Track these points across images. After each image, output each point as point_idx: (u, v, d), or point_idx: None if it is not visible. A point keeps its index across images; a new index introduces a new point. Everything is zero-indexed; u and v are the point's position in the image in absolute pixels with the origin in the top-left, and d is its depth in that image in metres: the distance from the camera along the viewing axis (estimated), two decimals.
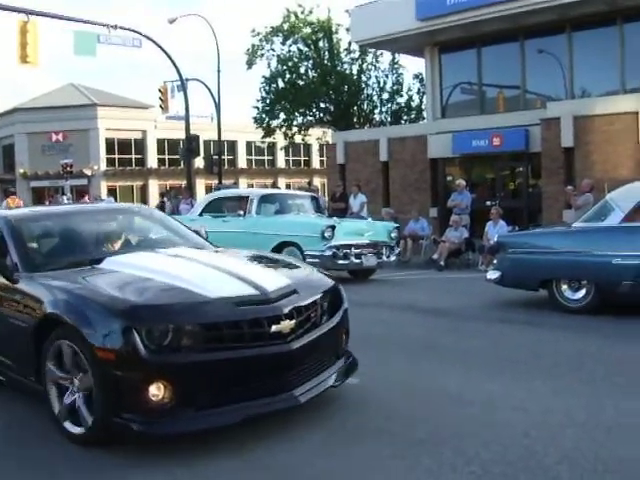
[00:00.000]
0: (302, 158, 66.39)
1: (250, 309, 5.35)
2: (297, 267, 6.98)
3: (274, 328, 5.31)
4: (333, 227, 14.71)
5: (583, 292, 10.53)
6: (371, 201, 23.50)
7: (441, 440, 5.21)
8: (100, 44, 25.04)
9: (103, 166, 54.04)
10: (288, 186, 56.34)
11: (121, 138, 55.59)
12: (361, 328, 7.37)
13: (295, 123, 40.09)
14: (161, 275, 5.74)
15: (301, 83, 38.02)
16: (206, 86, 32.93)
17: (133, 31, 26.47)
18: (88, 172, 51.94)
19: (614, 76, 22.89)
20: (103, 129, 53.95)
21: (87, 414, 5.15)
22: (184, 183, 32.76)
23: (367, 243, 15.25)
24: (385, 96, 39.57)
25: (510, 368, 7.38)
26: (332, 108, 38.68)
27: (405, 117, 40.19)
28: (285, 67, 38.18)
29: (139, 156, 57.11)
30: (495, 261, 12.21)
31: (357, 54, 38.34)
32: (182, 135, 31.78)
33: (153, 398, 4.92)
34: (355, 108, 39.16)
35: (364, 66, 38.77)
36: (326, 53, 38.16)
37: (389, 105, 39.82)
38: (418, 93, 39.42)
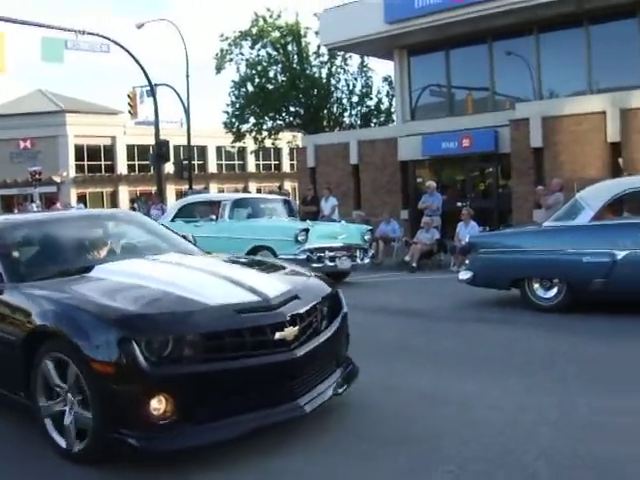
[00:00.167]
0: (272, 162, 66.26)
1: (252, 316, 5.14)
2: (295, 272, 6.79)
3: (277, 335, 5.10)
4: (307, 230, 14.70)
5: (555, 291, 10.61)
6: (342, 204, 23.53)
7: (417, 440, 5.23)
8: (68, 50, 24.95)
9: (72, 173, 53.54)
10: (259, 190, 56.21)
11: (90, 144, 55.13)
12: None
13: (265, 127, 40.08)
14: (157, 283, 5.53)
15: (270, 87, 37.99)
16: (175, 91, 32.88)
17: (101, 36, 26.41)
18: (57, 179, 51.48)
19: (581, 77, 23.11)
20: (72, 135, 53.48)
21: (76, 431, 4.94)
22: (154, 189, 32.63)
23: (341, 246, 15.23)
24: (354, 99, 39.74)
25: (484, 367, 7.42)
26: (302, 112, 38.71)
27: (374, 120, 40.31)
28: (254, 71, 38.13)
29: (109, 162, 56.70)
30: (467, 261, 12.25)
31: (326, 57, 38.40)
32: (152, 141, 31.69)
33: (154, 412, 4.69)
34: (325, 111, 39.22)
35: (333, 69, 38.85)
36: (295, 57, 38.19)
37: (358, 108, 39.93)
38: (387, 96, 39.56)
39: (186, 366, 4.81)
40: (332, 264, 14.82)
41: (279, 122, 39.88)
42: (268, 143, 41.71)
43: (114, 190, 55.88)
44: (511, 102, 24.38)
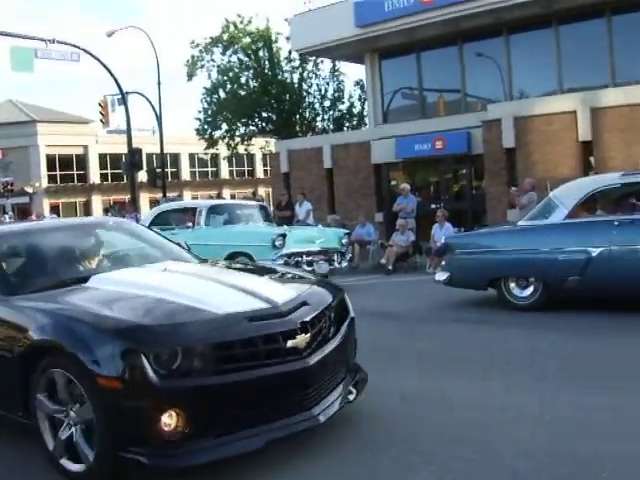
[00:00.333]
0: (246, 168, 66.29)
1: (263, 324, 4.92)
2: (300, 277, 6.63)
3: (289, 343, 4.89)
4: (284, 235, 14.67)
5: (531, 289, 10.67)
6: (317, 208, 23.55)
7: (399, 440, 5.24)
8: (38, 59, 24.77)
9: (45, 183, 53.26)
10: (233, 196, 56.12)
11: (62, 154, 54.86)
12: None
13: (238, 133, 39.98)
14: (160, 292, 5.27)
15: (242, 93, 37.91)
16: (147, 99, 32.69)
17: (71, 45, 26.23)
18: (30, 190, 51.11)
19: (552, 77, 23.33)
20: (43, 145, 53.20)
21: (87, 449, 4.67)
22: (128, 198, 32.48)
23: (318, 250, 15.20)
24: (327, 104, 39.67)
25: (464, 367, 7.44)
26: (274, 117, 38.65)
27: (347, 124, 40.32)
28: (226, 77, 38.07)
29: (81, 172, 56.44)
30: (443, 263, 12.29)
31: (297, 62, 38.39)
32: (124, 149, 31.50)
33: (165, 428, 4.45)
34: (297, 116, 39.18)
35: (305, 74, 38.83)
36: (266, 62, 38.13)
37: (331, 112, 39.93)
38: (359, 100, 39.62)
39: (197, 378, 4.58)
40: (310, 268, 14.77)
41: (252, 128, 39.80)
42: (241, 149, 41.63)
43: (87, 200, 55.67)
44: (483, 103, 24.54)
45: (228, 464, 4.70)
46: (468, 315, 10.79)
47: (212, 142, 40.46)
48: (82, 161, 56.58)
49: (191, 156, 62.28)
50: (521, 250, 10.78)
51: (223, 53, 38.36)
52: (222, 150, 42.89)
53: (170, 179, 51.92)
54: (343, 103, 40.03)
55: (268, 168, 48.90)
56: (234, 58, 38.29)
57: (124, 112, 29.44)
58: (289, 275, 6.72)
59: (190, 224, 16.02)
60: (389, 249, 18.51)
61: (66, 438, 4.81)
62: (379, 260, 18.75)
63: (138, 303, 5.15)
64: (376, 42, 26.37)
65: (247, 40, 37.94)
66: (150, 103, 32.57)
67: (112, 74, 27.80)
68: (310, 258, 14.87)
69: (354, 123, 40.19)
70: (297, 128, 38.86)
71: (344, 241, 16.15)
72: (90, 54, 26.73)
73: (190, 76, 38.97)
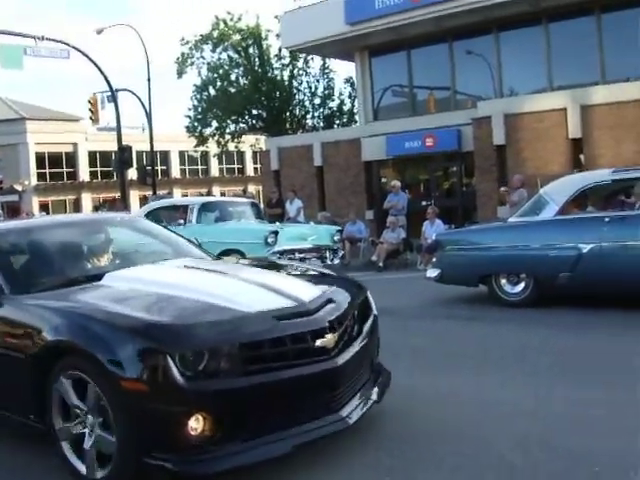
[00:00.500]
0: (236, 166, 66.20)
1: (292, 323, 4.70)
2: (322, 274, 6.37)
3: (318, 343, 4.69)
4: (276, 233, 14.70)
5: (522, 285, 10.71)
6: (307, 206, 23.56)
7: (393, 436, 5.26)
8: (27, 56, 24.70)
9: (34, 181, 53.07)
10: (223, 194, 56.11)
11: (52, 152, 54.65)
12: None
13: (228, 131, 39.96)
14: (180, 290, 5.08)
15: (232, 90, 37.91)
16: (137, 96, 32.63)
17: (60, 42, 26.14)
18: (19, 188, 51.01)
19: (541, 74, 23.41)
20: (33, 143, 53.00)
21: (106, 454, 4.49)
22: (118, 195, 32.41)
23: (310, 247, 15.25)
24: (317, 101, 39.75)
25: (457, 363, 7.47)
26: (264, 114, 38.64)
27: (337, 121, 40.37)
28: (216, 75, 38.05)
29: (71, 169, 56.28)
30: (434, 259, 12.32)
31: (287, 60, 38.40)
32: (114, 147, 31.46)
33: (192, 432, 4.24)
34: (287, 114, 39.19)
35: (295, 72, 38.85)
36: (256, 59, 38.13)
37: (321, 110, 39.97)
38: (349, 97, 39.66)
39: (224, 380, 4.36)
40: None
41: (242, 125, 39.80)
42: (231, 147, 41.59)
43: (77, 197, 55.51)
44: (473, 101, 24.59)
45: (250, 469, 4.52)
46: (460, 311, 10.81)
47: (202, 140, 40.44)
48: (72, 159, 56.41)
49: (181, 154, 62.21)
50: (512, 247, 10.81)
51: (213, 50, 38.37)
52: (212, 148, 42.86)
53: (160, 177, 51.75)
54: (333, 100, 40.11)
55: (258, 166, 48.94)
56: (224, 55, 38.34)
57: (114, 109, 29.43)
58: (311, 272, 6.49)
59: (182, 221, 16.01)
60: (380, 246, 18.54)
61: (83, 442, 4.63)
62: (370, 257, 18.78)
63: (159, 301, 4.95)
64: (366, 39, 26.40)
65: (237, 37, 37.95)
66: (140, 100, 32.53)
67: (102, 71, 27.74)
68: (302, 255, 14.89)
69: (344, 120, 40.24)
70: (287, 125, 38.86)
71: (336, 238, 16.19)
72: (80, 51, 26.66)
73: (180, 73, 38.96)
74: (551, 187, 11.20)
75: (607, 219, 10.00)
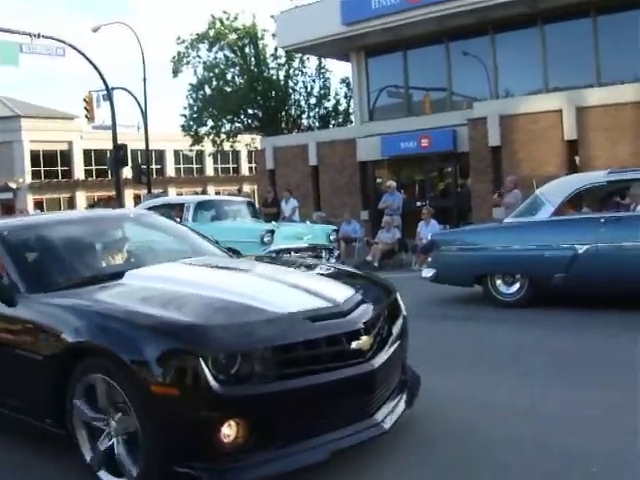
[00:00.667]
0: (231, 165, 66.15)
1: (327, 324, 4.48)
2: (350, 273, 6.20)
3: (354, 345, 4.49)
4: (272, 232, 14.66)
5: (517, 286, 10.71)
6: (302, 205, 23.51)
7: (389, 435, 5.23)
8: (23, 54, 24.66)
9: (29, 179, 52.98)
10: (218, 193, 56.02)
11: (46, 150, 54.57)
12: None
13: (223, 130, 39.95)
14: (208, 289, 4.86)
15: (228, 90, 37.92)
16: (132, 95, 32.59)
17: (56, 40, 26.11)
18: (13, 185, 50.92)
19: (537, 76, 23.44)
20: (27, 141, 52.89)
21: (130, 462, 4.29)
22: (112, 194, 32.36)
23: (306, 247, 15.20)
24: (312, 101, 39.74)
25: (453, 363, 7.47)
26: (260, 114, 38.65)
27: (333, 121, 40.39)
28: (212, 74, 38.04)
29: (65, 168, 56.18)
30: (429, 259, 12.31)
31: (283, 59, 38.41)
32: (109, 145, 31.39)
33: (224, 439, 4.05)
34: (283, 113, 39.20)
35: (291, 71, 38.86)
36: (252, 59, 38.14)
37: (317, 110, 39.98)
38: (345, 97, 39.71)
39: (258, 384, 4.16)
40: None
41: (237, 125, 39.80)
42: (226, 146, 41.58)
43: (71, 196, 55.43)
44: (468, 102, 24.61)
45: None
46: (455, 312, 10.83)
47: (197, 139, 40.43)
48: (66, 157, 56.31)
49: (176, 153, 62.16)
50: (507, 247, 10.82)
51: (209, 49, 38.38)
52: (207, 147, 42.84)
53: (155, 176, 51.76)
54: (329, 100, 40.16)
55: (253, 165, 48.95)
56: (220, 54, 38.36)
57: (109, 108, 29.38)
58: (339, 270, 6.32)
59: (178, 220, 15.94)
60: (375, 246, 18.54)
61: (106, 449, 4.45)
62: (365, 257, 18.77)
63: (187, 301, 4.73)
64: (362, 40, 26.41)
65: (233, 36, 37.95)
66: (135, 99, 32.50)
67: (97, 69, 27.68)
68: (298, 255, 14.86)
69: (340, 120, 40.27)
70: (283, 125, 38.87)
71: (332, 237, 16.17)
72: (75, 49, 26.61)
73: (176, 72, 38.96)
74: (547, 188, 11.21)
75: (603, 220, 10.01)
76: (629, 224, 9.91)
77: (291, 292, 4.90)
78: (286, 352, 4.28)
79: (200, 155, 57.88)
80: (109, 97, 29.17)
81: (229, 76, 38.33)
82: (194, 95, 38.74)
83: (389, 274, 17.05)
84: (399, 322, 5.42)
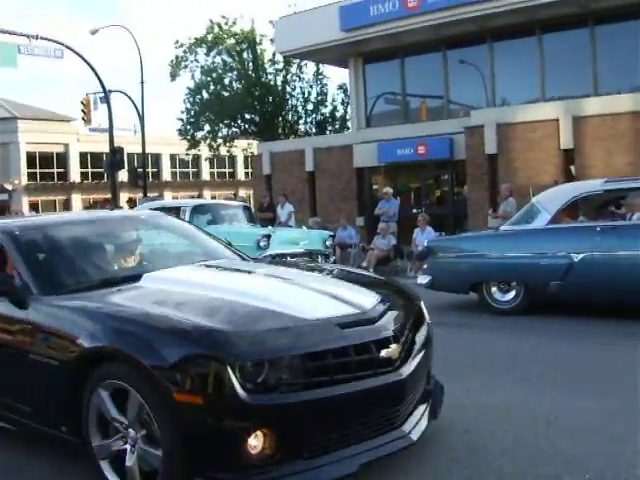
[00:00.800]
0: (227, 170, 66.11)
1: (356, 331, 4.33)
2: (374, 279, 6.08)
3: (383, 353, 4.34)
4: (268, 236, 14.67)
5: (513, 293, 10.74)
6: (298, 211, 23.49)
7: None
8: (21, 55, 24.65)
9: (24, 180, 52.84)
10: (213, 198, 56.01)
11: (43, 152, 54.42)
12: None
13: (220, 135, 39.96)
14: (230, 293, 4.69)
15: (225, 94, 37.92)
16: (129, 98, 32.59)
17: (54, 41, 26.12)
18: (9, 187, 50.77)
19: (534, 85, 23.44)
20: (24, 143, 52.75)
21: (149, 471, 4.17)
22: (108, 197, 32.33)
23: (302, 252, 15.19)
24: (310, 107, 39.77)
25: (448, 369, 7.39)
26: (257, 119, 38.67)
27: (330, 127, 40.41)
28: (209, 78, 38.06)
29: (61, 170, 56.06)
30: (425, 266, 12.32)
31: (281, 65, 38.42)
32: (105, 148, 31.39)
33: (251, 450, 3.90)
34: (280, 119, 39.21)
35: (288, 77, 38.88)
36: (250, 64, 38.16)
37: (314, 115, 40.00)
38: (342, 103, 39.71)
39: (286, 393, 4.00)
40: None
41: (234, 129, 39.80)
42: (223, 151, 41.57)
43: (67, 198, 55.29)
44: (465, 110, 24.61)
45: None
46: (450, 318, 10.79)
47: (194, 143, 40.41)
48: (63, 159, 56.18)
49: (172, 157, 62.09)
50: (503, 254, 10.83)
51: (207, 54, 38.40)
52: (204, 151, 42.82)
53: (151, 179, 51.63)
54: (326, 106, 40.14)
55: (249, 170, 48.96)
56: (218, 59, 38.39)
57: (106, 110, 29.35)
58: (364, 276, 6.17)
59: None
60: (370, 252, 18.54)
61: (123, 457, 4.30)
62: (360, 263, 18.76)
63: (210, 305, 4.56)
64: (360, 46, 26.42)
65: (231, 41, 37.98)
66: (133, 102, 32.49)
67: (95, 71, 27.69)
68: (294, 260, 14.85)
69: (337, 127, 40.28)
70: (280, 130, 38.88)
71: (328, 243, 16.18)
72: (73, 51, 26.62)
73: (174, 76, 38.99)
74: (543, 196, 11.24)
75: (599, 229, 10.04)
76: (625, 233, 9.96)
77: (317, 297, 4.78)
78: (315, 360, 4.13)
79: (196, 159, 57.88)
80: (106, 100, 29.18)
81: (227, 81, 38.34)
82: (191, 99, 38.77)
83: None
84: (423, 330, 5.26)
